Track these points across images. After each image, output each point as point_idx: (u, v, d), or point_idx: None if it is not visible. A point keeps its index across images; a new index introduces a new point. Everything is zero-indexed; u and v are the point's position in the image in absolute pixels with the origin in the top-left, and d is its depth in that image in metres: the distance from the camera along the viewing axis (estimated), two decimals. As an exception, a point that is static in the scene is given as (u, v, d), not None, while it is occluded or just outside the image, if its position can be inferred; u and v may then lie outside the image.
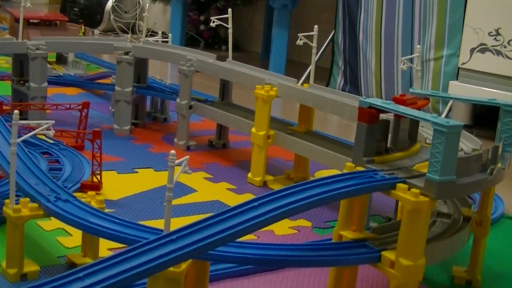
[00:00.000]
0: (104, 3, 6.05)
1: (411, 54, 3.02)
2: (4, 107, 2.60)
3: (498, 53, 3.24)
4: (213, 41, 6.01)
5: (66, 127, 2.53)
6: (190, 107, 2.72)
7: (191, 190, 2.29)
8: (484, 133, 3.23)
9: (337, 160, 2.13)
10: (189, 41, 5.83)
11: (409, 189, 1.43)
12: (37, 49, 2.75)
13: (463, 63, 3.38)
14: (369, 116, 1.54)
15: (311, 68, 2.49)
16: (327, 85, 4.08)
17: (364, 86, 3.96)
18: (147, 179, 2.36)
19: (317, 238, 1.97)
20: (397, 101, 1.63)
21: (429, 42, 3.54)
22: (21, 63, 2.83)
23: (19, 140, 1.51)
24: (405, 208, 1.43)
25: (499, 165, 1.59)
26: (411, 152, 1.67)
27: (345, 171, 1.53)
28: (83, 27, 4.57)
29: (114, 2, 5.87)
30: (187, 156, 1.30)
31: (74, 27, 4.34)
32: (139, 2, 5.81)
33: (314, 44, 2.43)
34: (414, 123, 1.73)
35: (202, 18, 5.94)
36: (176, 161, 1.27)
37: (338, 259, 1.46)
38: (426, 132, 1.89)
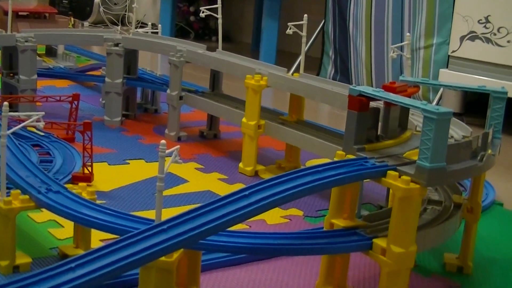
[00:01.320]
0: (93, -5, 6.03)
1: (401, 42, 3.02)
2: (-6, 100, 2.59)
3: (488, 40, 3.24)
4: (203, 32, 6.01)
5: (57, 119, 2.51)
6: (181, 98, 2.72)
7: (183, 181, 2.29)
8: (474, 121, 3.24)
9: (328, 149, 2.14)
10: (179, 32, 5.82)
11: (399, 177, 1.43)
12: (26, 41, 2.74)
13: (453, 51, 3.38)
14: (359, 104, 1.55)
15: (301, 57, 2.49)
16: (318, 75, 4.08)
17: (354, 75, 3.97)
18: (138, 170, 2.36)
19: (308, 227, 1.98)
20: (387, 88, 1.63)
21: (419, 30, 3.55)
22: (10, 56, 2.82)
23: (9, 132, 1.51)
24: (396, 196, 1.43)
25: (489, 151, 1.59)
26: (402, 139, 1.67)
27: (335, 159, 1.53)
28: (72, 19, 4.55)
29: (104, -6, 5.85)
30: (178, 146, 1.30)
31: (63, 19, 4.33)
32: (128, -6, 5.80)
33: (304, 34, 2.43)
34: (404, 111, 1.73)
35: (192, 9, 5.93)
36: (167, 151, 1.27)
37: (329, 247, 1.46)
38: (416, 119, 1.89)
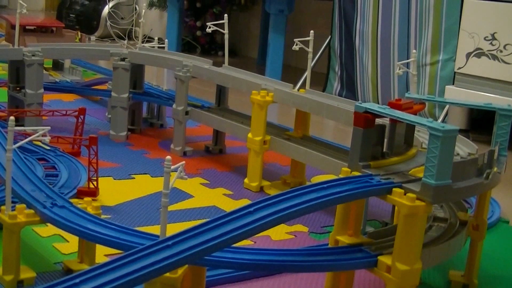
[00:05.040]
0: (100, 10, 6.06)
1: (408, 58, 3.02)
2: (0, 114, 2.60)
3: (494, 57, 3.24)
4: (209, 46, 6.02)
5: (63, 133, 2.52)
6: (187, 113, 2.72)
7: (188, 196, 2.29)
8: (480, 138, 3.24)
9: (333, 165, 2.13)
10: (186, 47, 5.84)
11: (405, 194, 1.43)
12: (33, 55, 2.75)
13: (459, 68, 3.38)
14: (364, 120, 1.55)
15: (307, 73, 2.49)
16: (324, 90, 4.09)
17: (360, 91, 3.97)
18: (143, 185, 2.36)
19: (313, 243, 1.97)
20: (393, 105, 1.63)
21: (425, 46, 3.55)
22: (17, 70, 2.83)
23: (15, 146, 1.51)
24: (401, 213, 1.43)
25: (495, 169, 1.59)
26: (407, 156, 1.67)
27: (341, 176, 1.53)
28: (79, 33, 4.57)
29: (111, 8, 5.87)
30: (183, 162, 1.30)
31: (70, 33, 4.34)
32: (135, 8, 5.83)
33: (310, 49, 2.43)
34: (410, 128, 1.73)
35: (198, 24, 5.95)
36: (172, 167, 1.27)
37: (334, 264, 1.46)
38: (422, 136, 1.89)
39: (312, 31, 2.44)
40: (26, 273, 1.59)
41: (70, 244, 1.80)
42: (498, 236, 2.18)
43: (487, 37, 3.25)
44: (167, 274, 1.28)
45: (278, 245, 1.95)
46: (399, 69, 2.17)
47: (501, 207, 2.37)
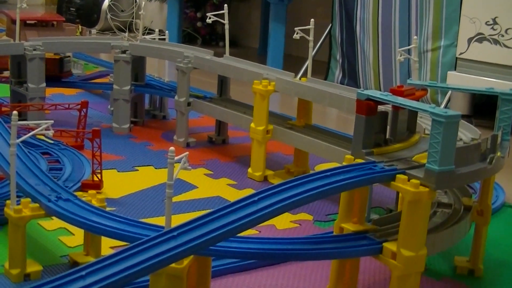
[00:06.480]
0: (100, 3, 6.05)
1: (409, 45, 3.01)
2: (3, 109, 2.60)
3: (496, 42, 3.23)
4: (210, 37, 6.02)
5: (66, 127, 2.53)
6: (189, 104, 2.72)
7: (192, 187, 2.29)
8: (483, 123, 3.23)
9: (337, 153, 2.14)
10: (186, 38, 5.83)
11: (408, 180, 1.43)
12: (34, 49, 2.75)
13: (461, 53, 3.37)
14: (367, 108, 1.54)
15: (309, 62, 2.49)
16: (325, 79, 4.08)
17: (362, 78, 3.96)
18: (147, 177, 2.37)
19: (318, 232, 1.98)
20: (395, 92, 1.63)
21: (426, 33, 3.54)
22: (19, 64, 2.83)
23: (18, 140, 1.51)
24: (405, 199, 1.43)
25: (499, 153, 1.59)
26: (410, 143, 1.67)
27: (344, 163, 1.53)
28: (80, 26, 4.57)
29: (111, 1, 5.87)
30: (187, 153, 1.30)
31: (71, 27, 4.33)
32: (135, 1, 5.82)
33: (311, 38, 2.43)
34: (413, 114, 1.73)
35: (198, 15, 5.94)
36: (176, 158, 1.27)
37: (339, 251, 1.46)
38: (425, 123, 1.89)
39: (312, 20, 2.43)
40: (33, 267, 1.60)
41: (75, 237, 1.81)
42: (503, 221, 2.18)
43: (488, 21, 3.24)
44: (173, 265, 1.28)
45: (283, 234, 1.96)
46: (401, 56, 2.17)
47: (505, 192, 2.37)
